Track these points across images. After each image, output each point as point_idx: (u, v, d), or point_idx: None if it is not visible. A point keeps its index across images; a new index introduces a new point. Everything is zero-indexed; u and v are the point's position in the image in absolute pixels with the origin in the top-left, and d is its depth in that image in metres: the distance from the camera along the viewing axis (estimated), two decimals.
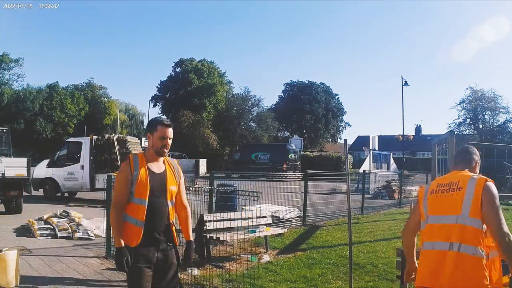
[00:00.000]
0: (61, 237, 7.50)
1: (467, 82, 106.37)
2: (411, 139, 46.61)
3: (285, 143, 36.43)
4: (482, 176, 2.49)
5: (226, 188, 8.82)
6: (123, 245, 2.73)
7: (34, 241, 7.22)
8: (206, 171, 28.10)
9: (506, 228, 2.32)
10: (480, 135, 33.93)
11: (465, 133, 35.18)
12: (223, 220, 6.29)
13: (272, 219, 8.23)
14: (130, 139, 14.44)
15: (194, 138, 39.62)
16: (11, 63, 47.80)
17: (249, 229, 6.43)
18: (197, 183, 12.54)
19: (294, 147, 31.84)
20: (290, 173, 22.80)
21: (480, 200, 2.37)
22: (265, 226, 7.28)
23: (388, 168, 25.68)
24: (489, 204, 2.36)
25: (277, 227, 8.23)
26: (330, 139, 54.35)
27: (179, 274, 2.74)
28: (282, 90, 54.16)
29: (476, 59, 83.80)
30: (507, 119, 35.07)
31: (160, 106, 49.74)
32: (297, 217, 9.85)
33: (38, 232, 7.56)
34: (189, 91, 45.49)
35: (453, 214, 2.42)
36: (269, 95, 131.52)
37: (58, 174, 13.53)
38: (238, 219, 6.52)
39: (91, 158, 13.34)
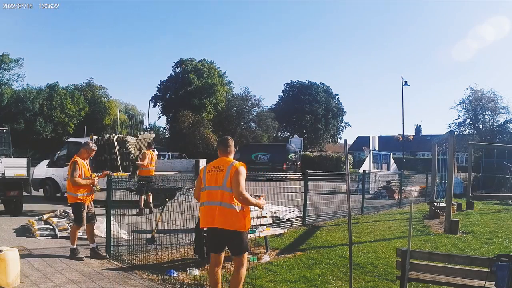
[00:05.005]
0: (61, 237, 7.48)
1: (467, 82, 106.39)
2: (411, 139, 46.59)
3: (285, 143, 36.37)
4: (238, 162, 4.12)
5: None
6: None
7: (34, 241, 7.21)
8: None
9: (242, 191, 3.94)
10: (480, 135, 33.85)
11: (465, 133, 35.06)
12: None
13: (272, 219, 8.24)
14: (130, 139, 14.39)
15: (194, 138, 39.62)
16: (11, 63, 47.85)
17: (249, 229, 6.43)
18: None
19: (294, 147, 31.80)
20: (290, 173, 22.82)
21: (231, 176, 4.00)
22: (265, 226, 7.29)
23: (388, 168, 25.69)
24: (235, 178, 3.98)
25: (277, 227, 8.23)
26: (330, 139, 54.37)
27: (178, 274, 2.73)
28: (282, 90, 54.34)
29: (476, 58, 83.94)
30: (507, 119, 34.95)
31: (160, 106, 49.82)
32: (297, 217, 9.83)
33: (38, 232, 7.56)
34: (189, 91, 45.50)
35: (218, 185, 4.08)
36: (269, 95, 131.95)
37: (58, 174, 13.48)
38: None
39: (91, 158, 13.30)
